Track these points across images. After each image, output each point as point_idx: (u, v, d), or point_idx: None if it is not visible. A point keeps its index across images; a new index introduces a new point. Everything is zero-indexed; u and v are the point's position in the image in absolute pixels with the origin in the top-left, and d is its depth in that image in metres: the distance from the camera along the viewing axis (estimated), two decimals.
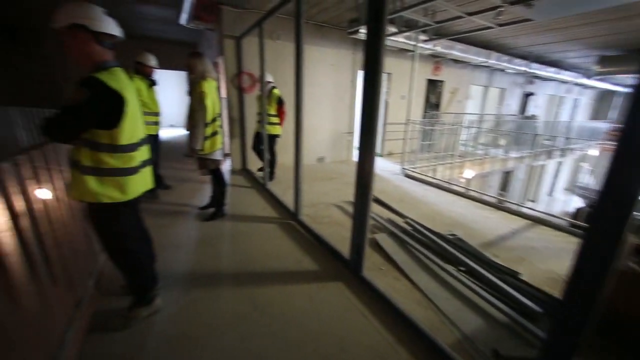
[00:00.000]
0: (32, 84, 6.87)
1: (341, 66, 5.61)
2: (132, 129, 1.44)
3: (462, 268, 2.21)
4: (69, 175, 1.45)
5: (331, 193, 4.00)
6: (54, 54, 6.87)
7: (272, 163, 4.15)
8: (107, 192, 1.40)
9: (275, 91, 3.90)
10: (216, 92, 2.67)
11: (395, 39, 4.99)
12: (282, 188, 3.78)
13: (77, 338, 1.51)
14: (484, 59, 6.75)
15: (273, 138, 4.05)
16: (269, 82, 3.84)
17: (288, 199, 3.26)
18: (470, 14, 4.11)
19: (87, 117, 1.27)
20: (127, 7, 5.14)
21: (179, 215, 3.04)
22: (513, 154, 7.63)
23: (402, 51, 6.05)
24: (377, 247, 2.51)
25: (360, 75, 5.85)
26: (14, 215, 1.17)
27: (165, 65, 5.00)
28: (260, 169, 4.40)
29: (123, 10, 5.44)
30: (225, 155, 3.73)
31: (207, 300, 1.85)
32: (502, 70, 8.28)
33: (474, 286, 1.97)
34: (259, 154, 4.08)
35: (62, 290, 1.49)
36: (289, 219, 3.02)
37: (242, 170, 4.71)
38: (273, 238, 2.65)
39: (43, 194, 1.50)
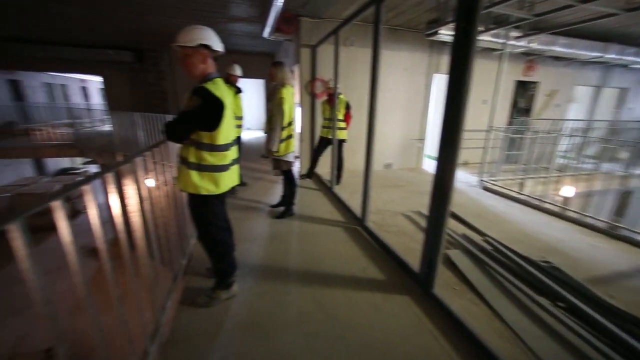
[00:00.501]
0: (149, 93, 8.47)
1: (415, 70, 5.37)
2: (227, 131, 1.64)
3: (560, 304, 1.85)
4: (175, 169, 1.74)
5: (398, 201, 3.84)
6: (165, 69, 8.35)
7: (339, 167, 4.22)
8: (205, 185, 1.62)
9: (342, 97, 4.02)
10: (293, 98, 2.85)
11: (481, 37, 4.54)
12: (348, 192, 3.80)
13: (172, 306, 1.77)
14: (599, 54, 5.60)
15: (341, 143, 4.12)
16: (336, 87, 3.95)
17: (354, 204, 3.25)
18: (585, 1, 3.46)
19: (197, 121, 1.51)
20: (222, 26, 5.89)
21: (252, 210, 3.33)
22: (638, 171, 6.10)
23: (485, 50, 5.47)
24: (450, 265, 2.30)
25: (436, 79, 5.59)
26: (140, 199, 1.45)
27: (246, 74, 5.57)
28: (306, 176, 4.53)
29: (218, 28, 6.28)
30: (296, 157, 3.93)
31: (275, 293, 1.97)
32: (625, 66, 6.74)
33: (579, 329, 1.63)
34: (315, 158, 4.30)
35: (166, 265, 1.78)
36: (355, 224, 3.01)
37: (311, 173, 4.89)
38: (338, 241, 2.67)
39: (157, 183, 1.82)
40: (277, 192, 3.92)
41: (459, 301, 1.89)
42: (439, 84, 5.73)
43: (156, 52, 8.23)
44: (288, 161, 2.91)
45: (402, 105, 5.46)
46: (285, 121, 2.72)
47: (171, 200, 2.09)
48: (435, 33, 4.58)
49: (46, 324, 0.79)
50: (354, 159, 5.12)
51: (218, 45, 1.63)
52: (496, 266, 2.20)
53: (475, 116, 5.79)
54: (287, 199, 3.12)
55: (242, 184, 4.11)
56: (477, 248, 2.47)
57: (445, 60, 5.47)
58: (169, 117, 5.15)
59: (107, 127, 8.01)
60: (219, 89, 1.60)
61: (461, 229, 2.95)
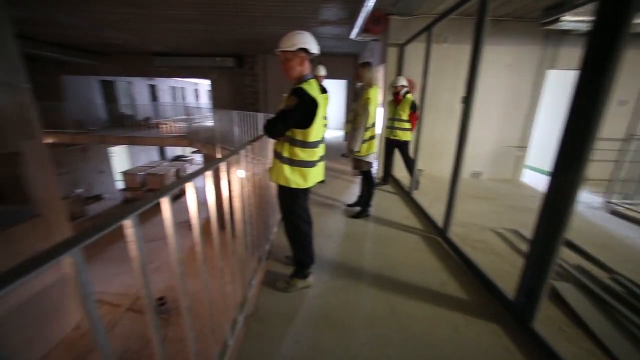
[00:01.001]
0: (245, 94, 9.60)
1: (521, 67, 4.63)
2: (318, 128, 1.74)
3: None
4: (267, 163, 1.92)
5: (488, 215, 3.40)
6: (259, 72, 9.31)
7: (409, 169, 4.02)
8: (295, 179, 1.75)
9: (409, 96, 3.82)
10: (378, 99, 2.82)
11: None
12: (428, 199, 3.55)
13: (256, 285, 1.98)
14: None
15: (404, 144, 3.95)
16: (403, 86, 3.83)
17: (435, 212, 3.02)
18: None
19: (294, 119, 1.64)
20: (312, 30, 6.23)
21: (328, 207, 3.43)
22: None
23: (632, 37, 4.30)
24: (557, 299, 1.91)
25: (550, 77, 4.69)
26: (242, 186, 1.66)
27: (329, 75, 5.75)
28: (382, 182, 4.35)
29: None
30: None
31: (349, 291, 1.99)
32: None
33: None
34: (385, 163, 4.16)
35: (254, 248, 2.00)
36: (435, 233, 2.79)
37: (388, 176, 4.77)
38: (415, 249, 2.53)
39: (249, 175, 2.04)
40: (353, 192, 3.95)
41: (568, 347, 1.56)
42: (556, 82, 4.79)
43: (253, 57, 9.27)
44: (368, 162, 2.90)
45: (499, 107, 4.79)
46: (370, 122, 2.71)
47: (259, 191, 2.32)
48: (556, 21, 3.84)
49: (171, 281, 0.98)
50: (437, 164, 4.76)
51: (315, 48, 1.73)
52: (633, 316, 1.72)
53: (607, 121, 4.65)
54: (364, 199, 3.11)
55: (321, 181, 4.27)
56: (598, 286, 1.99)
57: (565, 53, 4.54)
58: (260, 115, 5.75)
59: (209, 123, 9.50)
60: (313, 89, 1.70)
61: (574, 258, 2.42)
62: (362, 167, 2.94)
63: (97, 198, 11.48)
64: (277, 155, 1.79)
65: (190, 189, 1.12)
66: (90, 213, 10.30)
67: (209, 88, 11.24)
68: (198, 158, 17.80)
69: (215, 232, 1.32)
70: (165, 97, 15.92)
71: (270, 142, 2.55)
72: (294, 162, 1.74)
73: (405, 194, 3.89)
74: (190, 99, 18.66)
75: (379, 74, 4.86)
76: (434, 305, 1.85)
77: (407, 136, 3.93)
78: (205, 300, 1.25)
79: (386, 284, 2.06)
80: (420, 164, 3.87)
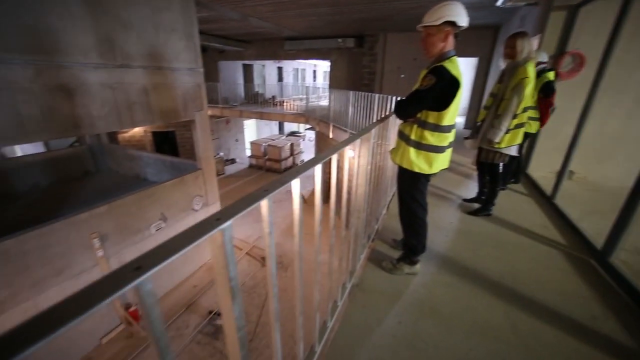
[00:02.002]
0: (362, 74, 9.63)
1: None
2: (453, 112, 1.59)
3: None
4: (386, 144, 1.90)
5: None
6: (378, 52, 9.09)
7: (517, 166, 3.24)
8: (419, 163, 1.69)
9: (550, 74, 2.87)
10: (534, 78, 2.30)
11: None
12: (580, 209, 2.80)
13: (364, 259, 2.08)
14: None
15: (526, 138, 3.08)
16: (541, 62, 2.93)
17: (589, 227, 2.37)
18: None
19: (429, 100, 1.55)
20: None
21: (442, 199, 3.18)
22: None
23: None
24: None
25: None
26: (359, 165, 1.72)
27: (458, 53, 5.05)
28: (512, 180, 3.53)
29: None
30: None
31: (459, 290, 1.84)
32: None
33: None
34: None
35: (367, 224, 2.08)
36: (587, 254, 2.21)
37: (519, 173, 3.98)
38: (553, 268, 2.07)
39: (371, 154, 2.07)
40: (470, 186, 3.52)
41: None
42: None
43: (373, 37, 9.08)
44: (506, 154, 2.47)
45: None
46: (521, 107, 2.27)
47: (375, 171, 2.35)
48: None
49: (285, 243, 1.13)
50: (601, 167, 3.66)
51: (463, 21, 1.54)
52: None
53: None
54: (487, 196, 2.72)
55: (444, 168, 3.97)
56: None
57: None
58: (376, 96, 5.69)
59: (324, 102, 10.12)
60: (455, 67, 1.54)
61: None
62: (495, 160, 2.53)
63: (233, 161, 14.28)
64: (403, 137, 1.75)
65: (318, 169, 1.14)
66: (227, 172, 12.96)
67: (328, 69, 11.81)
68: (309, 135, 19.38)
69: (332, 204, 1.42)
70: (289, 77, 17.77)
71: (394, 123, 2.52)
72: (421, 146, 1.66)
73: (544, 199, 3.17)
74: (309, 80, 20.17)
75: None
76: (578, 341, 1.50)
77: (532, 128, 3.08)
78: (311, 262, 1.40)
79: (506, 295, 1.80)
80: (573, 165, 3.04)
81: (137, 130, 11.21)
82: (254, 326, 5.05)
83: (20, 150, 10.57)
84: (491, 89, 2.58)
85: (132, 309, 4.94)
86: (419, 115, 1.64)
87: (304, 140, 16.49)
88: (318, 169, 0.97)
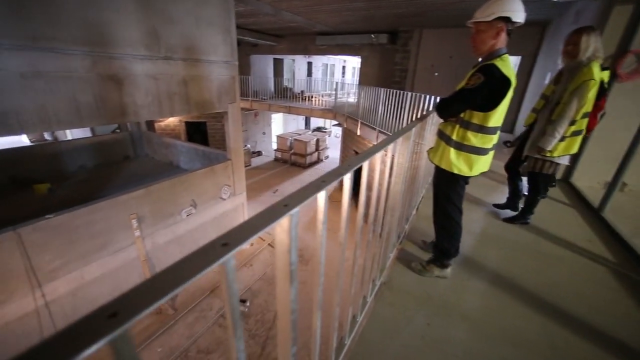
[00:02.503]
0: (393, 71, 9.43)
1: None
2: (501, 113, 1.53)
3: None
4: (422, 143, 1.86)
5: None
6: (412, 49, 8.84)
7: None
8: (459, 165, 1.64)
9: (604, 75, 2.28)
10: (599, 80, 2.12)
11: None
12: (632, 224, 2.58)
13: (393, 258, 2.07)
14: None
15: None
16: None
17: None
18: None
19: (474, 99, 1.49)
20: None
21: (474, 203, 3.06)
22: None
23: None
24: None
25: None
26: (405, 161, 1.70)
27: None
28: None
29: None
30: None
31: (490, 297, 1.78)
32: None
33: None
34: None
35: (398, 223, 2.06)
36: None
37: (562, 181, 3.73)
38: (600, 286, 1.94)
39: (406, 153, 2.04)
40: (502, 191, 3.35)
41: None
42: None
43: (408, 33, 8.83)
44: (558, 163, 2.30)
45: None
46: (582, 112, 2.10)
47: (410, 170, 2.31)
48: None
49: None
50: None
51: (519, 16, 1.45)
52: None
53: None
54: (527, 204, 2.57)
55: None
56: None
57: None
58: (408, 95, 5.55)
59: (351, 99, 10.03)
60: (507, 66, 1.47)
61: None
62: (544, 170, 2.34)
63: (259, 153, 14.62)
64: (444, 137, 1.71)
65: (365, 166, 1.12)
66: (253, 164, 13.29)
67: (358, 65, 11.66)
68: (334, 131, 19.33)
69: (362, 202, 1.42)
70: (317, 73, 17.78)
71: (431, 122, 2.46)
72: (463, 147, 1.61)
73: (590, 211, 2.95)
74: (337, 75, 20.05)
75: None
76: None
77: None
78: (334, 259, 1.41)
79: (544, 309, 1.71)
80: (626, 176, 2.80)
81: (172, 120, 11.80)
82: (273, 316, 5.19)
83: (70, 134, 11.53)
84: (543, 90, 2.42)
85: None
86: (462, 115, 1.59)
87: (329, 136, 16.49)
88: (365, 165, 0.98)
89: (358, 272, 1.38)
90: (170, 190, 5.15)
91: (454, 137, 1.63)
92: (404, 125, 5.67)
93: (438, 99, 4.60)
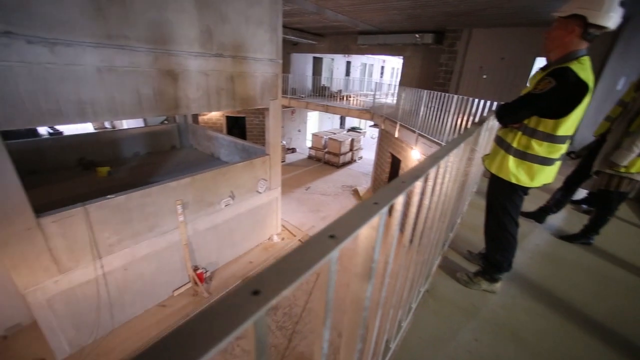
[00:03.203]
0: (436, 73, 9.06)
1: None
2: (574, 121, 1.40)
3: None
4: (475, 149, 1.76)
5: None
6: (459, 50, 8.41)
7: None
8: (519, 175, 1.54)
9: None
10: None
11: None
12: None
13: (435, 266, 2.00)
14: None
15: None
16: None
17: None
18: None
19: (542, 106, 1.38)
20: None
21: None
22: None
23: None
24: None
25: None
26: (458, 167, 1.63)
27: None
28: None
29: None
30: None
31: (546, 320, 1.65)
32: None
33: None
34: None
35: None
36: None
37: (634, 200, 3.34)
38: None
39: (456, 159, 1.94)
40: (538, 198, 3.07)
41: None
42: None
43: (455, 33, 8.41)
44: (634, 180, 2.07)
45: None
46: None
47: (457, 176, 2.21)
48: None
49: None
50: None
51: (603, 19, 1.25)
52: None
53: None
54: (593, 223, 2.33)
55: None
56: None
57: None
58: (454, 97, 5.30)
59: (390, 100, 9.84)
60: (586, 70, 1.34)
61: None
62: (619, 187, 2.10)
63: (293, 150, 14.90)
64: (503, 145, 1.61)
65: (432, 172, 1.10)
66: (287, 160, 13.58)
67: (398, 65, 11.36)
68: (370, 132, 19.09)
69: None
70: (356, 72, 17.64)
71: (486, 128, 2.33)
72: (525, 156, 1.51)
73: None
74: (376, 76, 19.73)
75: None
76: None
77: None
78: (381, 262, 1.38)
79: (607, 339, 1.55)
80: None
81: (215, 114, 12.45)
82: (301, 310, 5.28)
83: (126, 123, 12.65)
84: (621, 96, 2.17)
85: (199, 271, 5.60)
86: (525, 121, 1.49)
87: (364, 136, 16.31)
88: (432, 172, 0.96)
89: (406, 277, 1.35)
90: (212, 181, 5.44)
91: (515, 145, 1.53)
92: (448, 129, 5.43)
93: (495, 104, 4.34)
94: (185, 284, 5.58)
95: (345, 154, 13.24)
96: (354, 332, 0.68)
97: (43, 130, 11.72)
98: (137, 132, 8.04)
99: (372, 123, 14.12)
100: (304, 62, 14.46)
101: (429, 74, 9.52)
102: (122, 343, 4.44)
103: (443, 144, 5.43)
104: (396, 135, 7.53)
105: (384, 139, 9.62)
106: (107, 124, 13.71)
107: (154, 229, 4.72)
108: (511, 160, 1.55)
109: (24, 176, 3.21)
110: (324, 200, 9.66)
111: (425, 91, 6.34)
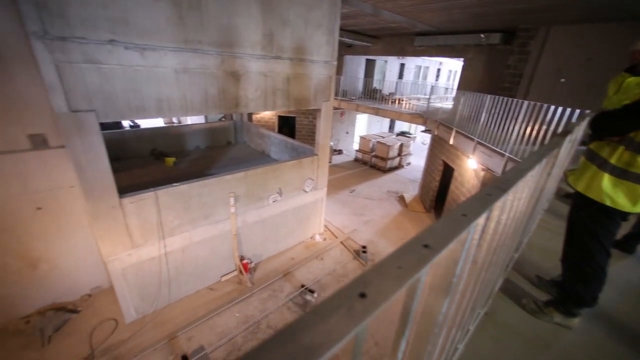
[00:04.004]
0: (502, 76, 8.29)
1: None
2: None
3: None
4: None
5: None
6: (532, 50, 7.57)
7: None
8: (615, 197, 1.31)
9: None
10: None
11: None
12: None
13: (499, 286, 1.82)
14: None
15: None
16: None
17: None
18: None
19: None
20: None
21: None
22: None
23: None
24: None
25: None
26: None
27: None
28: None
29: None
30: None
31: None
32: None
33: None
34: None
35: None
36: None
37: None
38: None
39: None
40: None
41: None
42: None
43: (529, 32, 7.58)
44: None
45: None
46: None
47: (535, 192, 1.98)
48: None
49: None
50: None
51: None
52: None
53: None
54: None
55: None
56: None
57: None
58: (525, 104, 4.78)
59: (446, 105, 9.25)
60: None
61: None
62: None
63: (340, 152, 14.94)
64: (595, 160, 1.39)
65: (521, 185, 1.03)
66: (333, 162, 13.67)
67: (457, 68, 10.64)
68: (420, 137, 18.26)
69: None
70: (409, 75, 17.02)
71: (570, 139, 2.06)
72: (627, 175, 1.28)
73: None
74: (431, 79, 18.79)
75: None
76: None
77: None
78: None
79: None
80: None
81: (267, 113, 13.08)
82: None
83: (190, 119, 13.99)
84: None
85: (244, 261, 5.93)
86: (632, 135, 1.26)
87: (414, 142, 15.64)
88: (520, 185, 0.86)
89: (470, 297, 1.25)
90: (263, 177, 5.72)
91: (614, 161, 1.31)
92: (514, 138, 4.92)
93: (578, 112, 3.81)
94: (231, 272, 5.95)
95: (392, 158, 12.84)
96: (421, 347, 0.65)
97: (125, 123, 13.55)
98: (199, 127, 8.84)
99: (423, 128, 13.48)
100: (356, 64, 14.41)
101: (493, 77, 8.74)
102: (175, 317, 4.91)
103: (506, 154, 4.93)
104: (451, 142, 7.06)
105: (437, 146, 9.10)
106: (174, 119, 15.32)
107: (209, 217, 5.13)
108: (606, 179, 1.33)
109: (110, 162, 3.75)
110: (368, 205, 9.49)
111: (489, 96, 5.84)
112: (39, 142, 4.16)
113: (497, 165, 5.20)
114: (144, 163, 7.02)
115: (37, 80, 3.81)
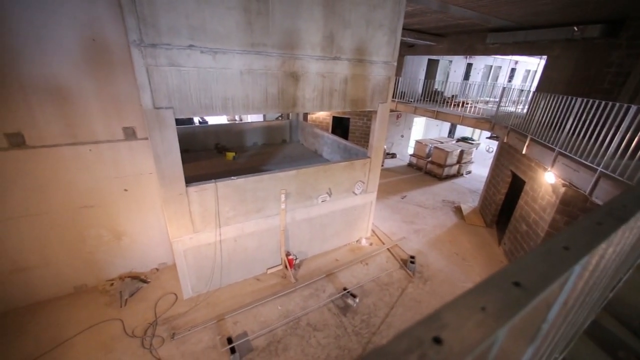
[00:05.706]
0: (600, 75, 7.01)
1: None
2: None
3: None
4: None
5: None
6: None
7: None
8: None
9: None
10: None
11: None
12: None
13: (584, 329, 1.51)
14: None
15: None
16: None
17: None
18: None
19: None
20: None
21: None
22: None
23: None
24: None
25: None
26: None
27: None
28: None
29: None
30: None
31: None
32: None
33: None
34: None
35: None
36: None
37: None
38: None
39: None
40: None
41: None
42: None
43: None
44: None
45: None
46: None
47: None
48: None
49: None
50: None
51: None
52: None
53: None
54: None
55: None
56: None
57: None
58: (631, 108, 3.94)
59: (519, 109, 8.14)
60: None
61: None
62: None
63: (393, 155, 14.41)
64: None
65: None
66: (385, 165, 13.24)
67: (537, 67, 9.33)
68: (485, 144, 16.60)
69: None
70: (477, 76, 15.57)
71: None
72: None
73: None
74: (502, 80, 16.91)
75: None
76: None
77: None
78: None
79: None
80: None
81: (322, 113, 13.27)
82: (380, 322, 5.06)
83: (249, 117, 14.98)
84: None
85: (290, 256, 6.10)
86: None
87: (477, 149, 14.24)
88: None
89: (551, 340, 1.05)
90: (314, 176, 5.80)
91: None
92: (612, 150, 4.10)
93: None
94: (277, 265, 6.18)
95: (451, 165, 11.89)
96: None
97: (195, 119, 15.15)
98: (258, 125, 9.40)
99: (489, 134, 12.21)
100: (417, 65, 13.72)
101: (587, 77, 7.44)
102: (224, 301, 5.29)
103: (599, 168, 4.13)
104: (524, 151, 6.22)
105: (505, 154, 8.13)
106: (236, 117, 16.58)
107: (260, 211, 5.40)
108: None
109: (180, 153, 4.19)
110: (420, 213, 8.94)
111: (579, 99, 4.97)
112: (130, 134, 4.87)
113: (585, 182, 4.40)
114: (208, 156, 7.73)
115: (131, 82, 4.47)
